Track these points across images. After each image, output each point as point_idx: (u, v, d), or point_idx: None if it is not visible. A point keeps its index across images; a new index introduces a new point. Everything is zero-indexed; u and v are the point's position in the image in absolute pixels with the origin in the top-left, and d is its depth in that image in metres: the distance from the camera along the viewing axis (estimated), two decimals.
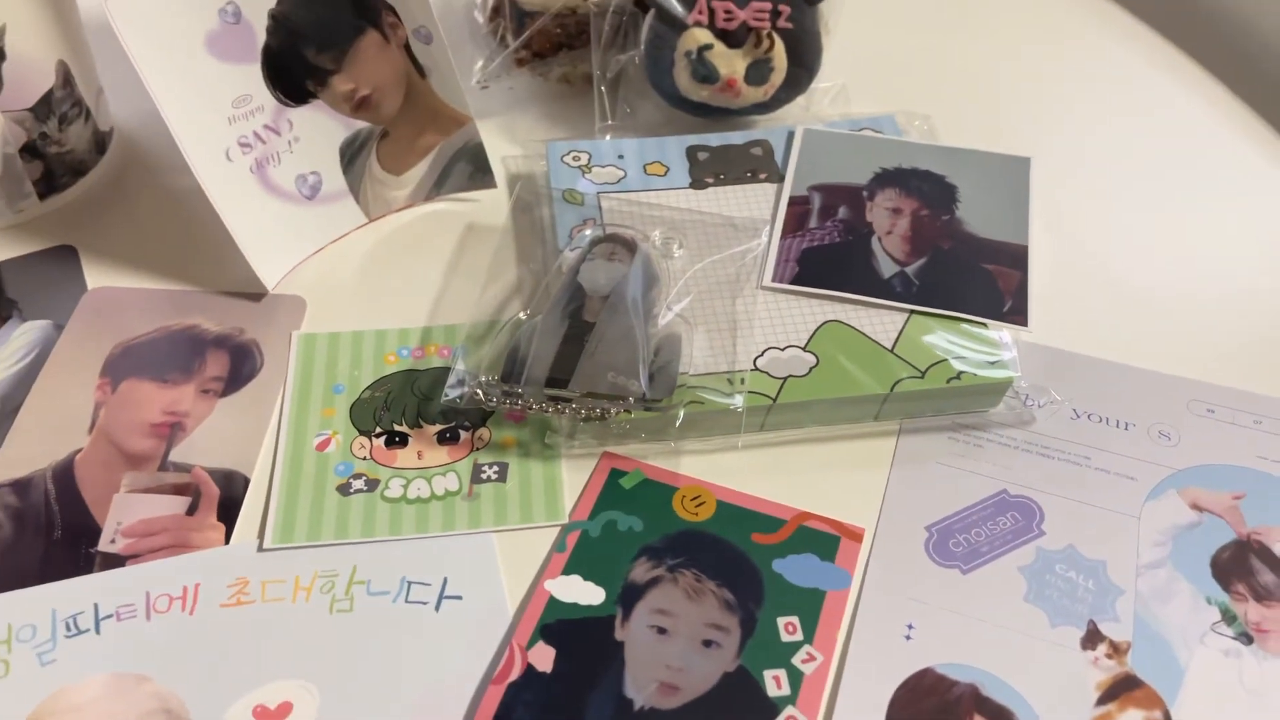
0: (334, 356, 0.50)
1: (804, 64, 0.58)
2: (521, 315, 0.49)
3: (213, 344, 0.51)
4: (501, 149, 0.60)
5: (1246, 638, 0.41)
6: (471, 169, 0.57)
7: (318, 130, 0.53)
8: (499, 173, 0.59)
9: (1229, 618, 0.42)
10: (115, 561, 0.43)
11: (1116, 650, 0.41)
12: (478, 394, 0.45)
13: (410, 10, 0.51)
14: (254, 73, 0.50)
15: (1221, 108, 0.65)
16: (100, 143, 0.58)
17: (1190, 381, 0.50)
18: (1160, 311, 0.53)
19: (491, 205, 0.58)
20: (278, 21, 0.50)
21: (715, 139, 0.58)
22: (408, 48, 0.52)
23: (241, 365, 0.50)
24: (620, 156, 0.57)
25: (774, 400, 0.46)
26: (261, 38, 0.50)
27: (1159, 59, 0.68)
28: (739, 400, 0.46)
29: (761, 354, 0.48)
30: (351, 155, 0.54)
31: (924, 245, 0.52)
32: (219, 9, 0.48)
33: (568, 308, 0.48)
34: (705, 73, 0.57)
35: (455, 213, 0.57)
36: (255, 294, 0.53)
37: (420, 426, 0.47)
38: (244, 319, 0.52)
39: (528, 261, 0.54)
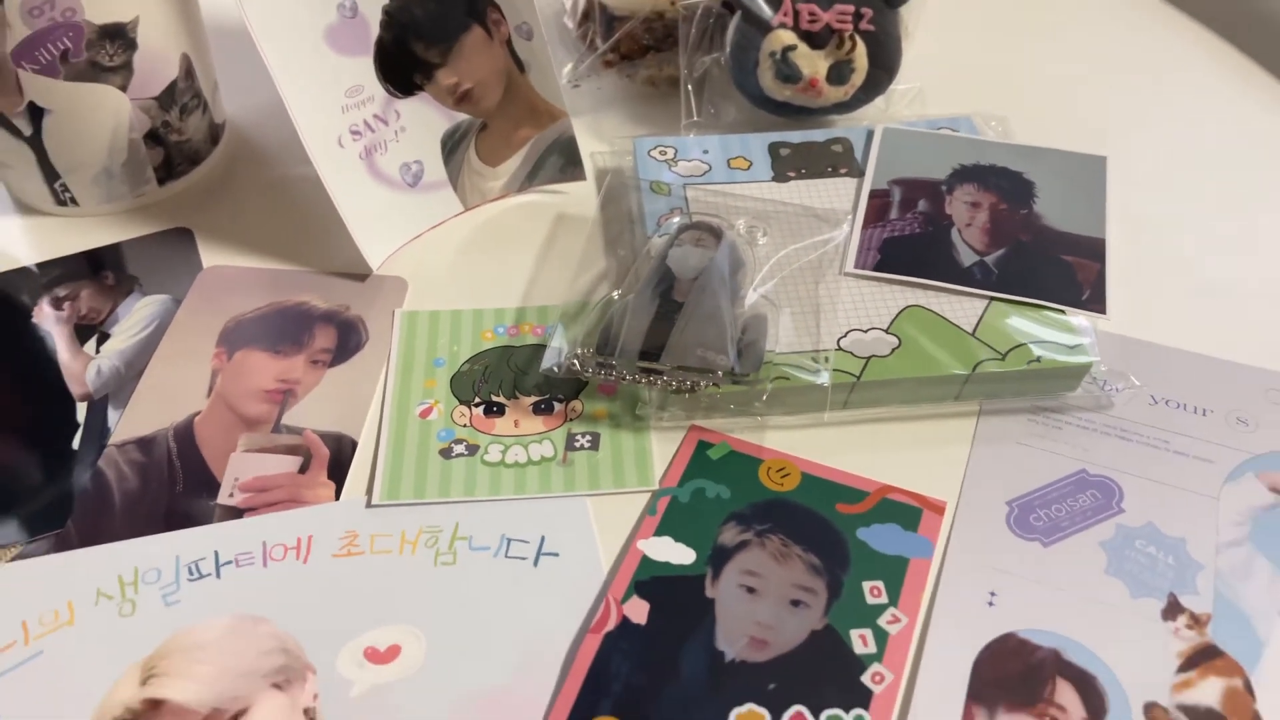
0: (434, 333, 0.53)
1: (884, 66, 0.60)
2: (614, 295, 0.51)
3: (321, 319, 0.53)
4: (590, 146, 0.63)
5: None
6: (563, 161, 0.59)
7: (422, 121, 0.56)
8: (588, 168, 0.62)
9: None
10: (234, 514, 0.45)
11: (1197, 621, 0.42)
12: (574, 364, 0.47)
13: (514, 6, 0.54)
14: (366, 65, 0.53)
15: None
16: (215, 134, 0.61)
17: (1267, 371, 0.51)
18: (1236, 304, 0.54)
19: (581, 197, 0.60)
20: (391, 16, 0.53)
21: (797, 136, 0.60)
22: (509, 44, 0.55)
23: (348, 339, 0.53)
24: (705, 151, 0.60)
25: (858, 378, 0.48)
26: (375, 32, 0.53)
27: (1224, 62, 0.70)
28: (825, 377, 0.47)
29: (845, 335, 0.50)
30: (452, 146, 0.57)
31: (1003, 237, 0.54)
32: (338, 4, 0.51)
33: (658, 288, 0.50)
34: (789, 73, 0.59)
35: (546, 203, 0.60)
36: (360, 274, 0.55)
37: (516, 398, 0.50)
38: (350, 297, 0.55)
39: (616, 248, 0.56)
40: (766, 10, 0.59)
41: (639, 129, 0.65)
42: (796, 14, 0.59)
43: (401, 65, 0.54)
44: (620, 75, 0.65)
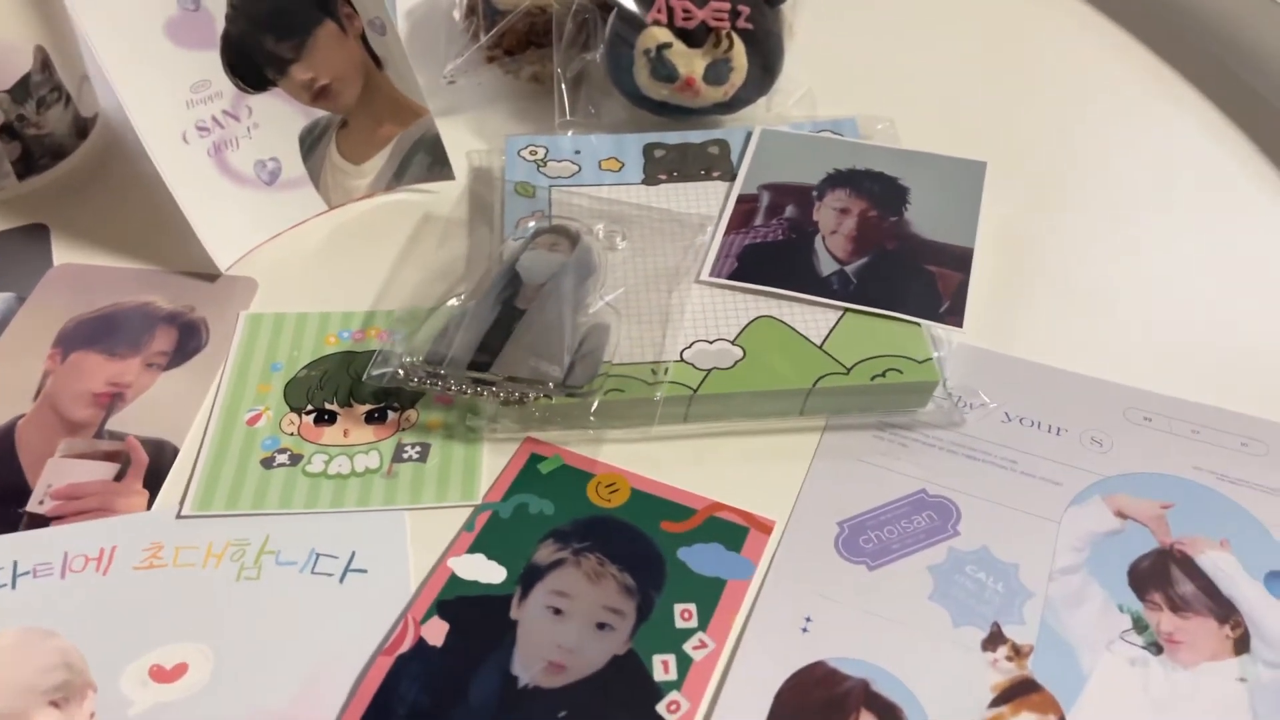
0: (277, 336, 0.51)
1: (765, 65, 0.58)
2: (454, 301, 0.49)
3: (163, 320, 0.52)
4: (468, 143, 0.62)
5: (1156, 648, 0.40)
6: (430, 160, 0.58)
7: (277, 117, 0.54)
8: (463, 167, 0.60)
9: (1140, 627, 0.41)
10: (40, 522, 0.44)
11: (1018, 653, 0.40)
12: (399, 373, 0.46)
13: (364, 1, 0.52)
14: (213, 59, 0.52)
15: (1193, 116, 0.64)
16: (82, 128, 0.60)
17: (1129, 389, 0.49)
18: (1104, 318, 0.52)
19: (450, 197, 0.59)
20: (236, 10, 0.51)
21: (674, 137, 0.59)
22: (364, 39, 0.54)
23: (188, 341, 0.51)
24: (577, 152, 0.58)
25: (694, 391, 0.46)
26: (221, 25, 0.51)
27: (1133, 64, 0.68)
28: (659, 390, 0.46)
29: (689, 346, 0.48)
30: (311, 143, 0.56)
31: (867, 245, 0.52)
32: None
33: (502, 294, 0.48)
34: (665, 71, 0.58)
35: (413, 203, 0.59)
36: (210, 274, 0.54)
37: (351, 405, 0.48)
38: (196, 298, 0.53)
39: (474, 249, 0.55)
40: (637, 7, 0.57)
41: (520, 126, 0.63)
42: (670, 11, 0.57)
43: (251, 60, 0.53)
44: (504, 71, 0.63)
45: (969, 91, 0.65)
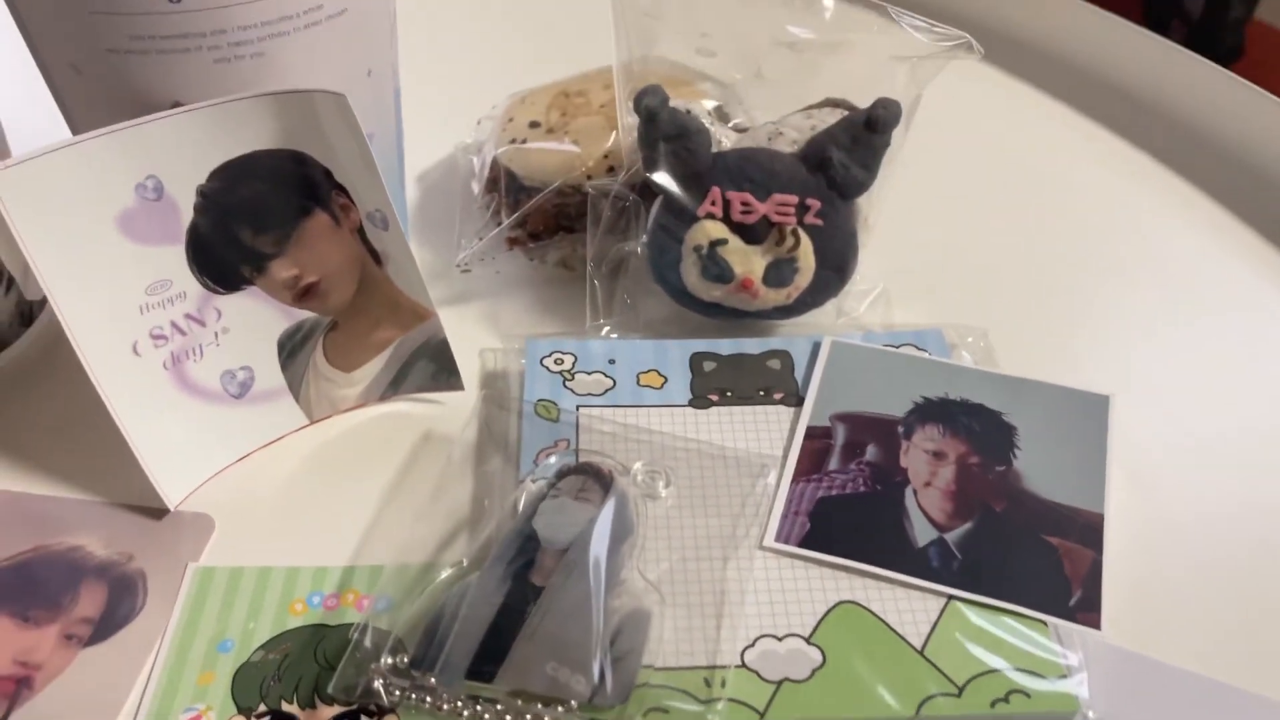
0: (231, 600, 0.41)
1: (835, 266, 0.49)
2: (448, 571, 0.39)
3: (92, 574, 0.42)
4: (481, 340, 0.52)
5: None
6: (434, 368, 0.48)
7: (252, 320, 0.45)
8: (475, 369, 0.51)
9: None
10: None
11: None
12: (375, 685, 0.35)
13: (363, 192, 0.43)
14: (176, 255, 0.43)
15: None
16: (26, 315, 0.51)
17: None
18: (1276, 611, 0.42)
19: (457, 409, 0.49)
20: (208, 199, 0.42)
21: (727, 346, 0.49)
22: (362, 232, 0.45)
23: (120, 604, 0.41)
24: (611, 361, 0.49)
25: (761, 715, 0.35)
26: (187, 216, 0.42)
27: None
28: (714, 715, 0.35)
29: (752, 644, 0.37)
30: (293, 349, 0.47)
31: (971, 505, 0.42)
32: (136, 184, 0.41)
33: (513, 564, 0.39)
34: (717, 271, 0.48)
35: (412, 416, 0.49)
36: (158, 510, 0.44)
37: (314, 707, 0.38)
38: (137, 542, 0.43)
39: (484, 489, 0.45)
40: (688, 199, 0.48)
41: (545, 321, 0.54)
42: (727, 203, 0.48)
43: (223, 256, 0.44)
44: (528, 257, 0.54)
45: (1081, 300, 0.55)
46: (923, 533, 0.41)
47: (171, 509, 0.44)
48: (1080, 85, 0.70)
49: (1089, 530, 0.41)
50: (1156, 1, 1.64)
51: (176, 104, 0.41)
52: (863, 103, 0.48)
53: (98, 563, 0.42)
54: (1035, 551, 0.40)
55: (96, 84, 0.42)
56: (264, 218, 0.43)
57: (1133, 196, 0.62)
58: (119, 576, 0.42)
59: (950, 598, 0.39)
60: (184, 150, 0.41)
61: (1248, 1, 1.62)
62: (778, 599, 0.39)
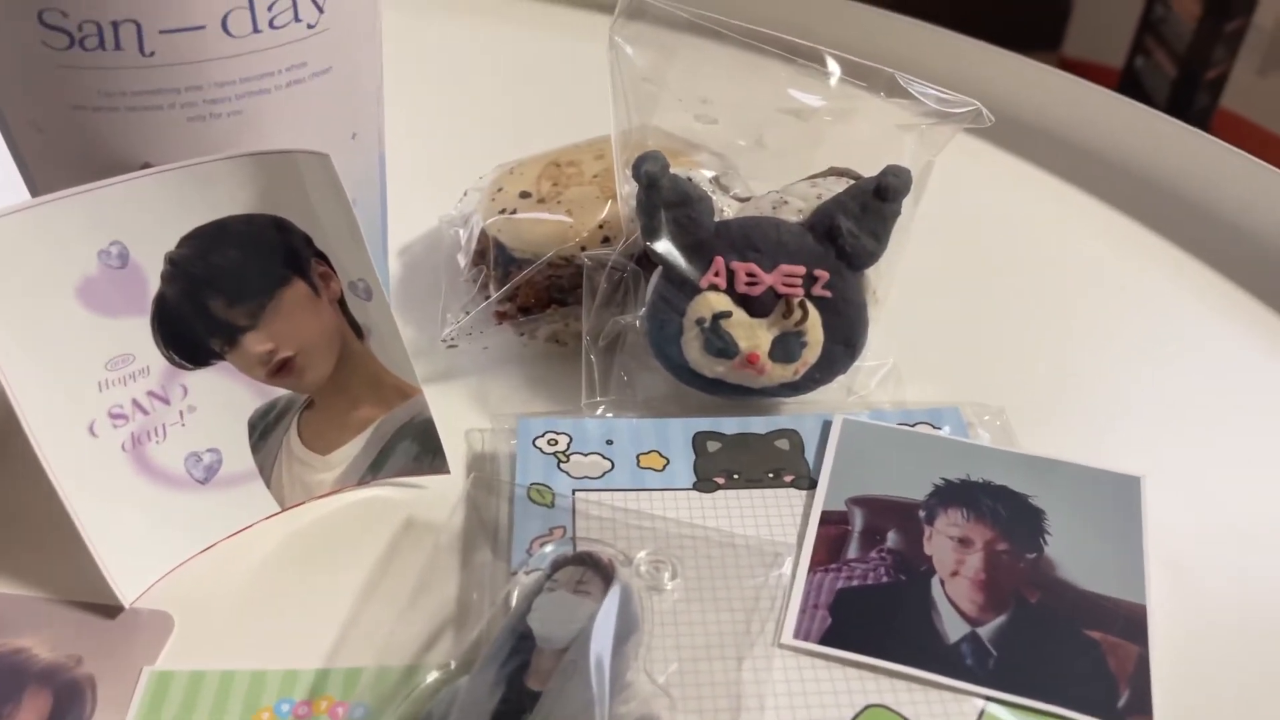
0: (190, 707, 0.37)
1: (844, 340, 0.47)
2: (434, 675, 0.35)
3: (35, 679, 0.38)
4: (468, 419, 0.49)
5: None
6: (418, 449, 0.45)
7: (221, 398, 0.42)
8: (461, 451, 0.47)
9: None
10: None
11: None
12: None
13: (345, 260, 0.41)
14: (141, 328, 0.39)
15: None
16: None
17: None
18: None
19: (442, 494, 0.45)
20: (177, 267, 0.39)
21: (731, 425, 0.46)
22: (342, 303, 0.42)
23: (65, 713, 0.37)
24: (609, 442, 0.45)
25: None
26: (154, 286, 0.39)
27: None
28: None
29: None
30: (265, 429, 0.43)
31: (1003, 596, 0.39)
32: (100, 250, 0.38)
33: (506, 666, 0.35)
34: (721, 345, 0.46)
35: (393, 502, 0.45)
36: (112, 607, 0.40)
37: None
38: (87, 643, 0.39)
39: (472, 582, 0.41)
40: (690, 270, 0.46)
41: (535, 399, 0.51)
42: (731, 274, 0.45)
43: (191, 329, 0.40)
44: (516, 332, 0.51)
45: (1100, 378, 0.53)
46: (953, 627, 0.37)
47: (126, 606, 0.40)
48: (1098, 170, 0.68)
49: (1131, 623, 0.38)
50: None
51: (146, 165, 0.39)
52: (869, 172, 0.46)
53: (42, 667, 0.38)
54: (1076, 647, 0.37)
55: (60, 143, 0.39)
56: (238, 287, 0.40)
57: (1148, 275, 0.60)
58: (66, 682, 0.38)
59: (988, 699, 0.35)
60: (153, 214, 0.38)
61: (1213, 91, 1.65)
62: (799, 702, 0.35)
